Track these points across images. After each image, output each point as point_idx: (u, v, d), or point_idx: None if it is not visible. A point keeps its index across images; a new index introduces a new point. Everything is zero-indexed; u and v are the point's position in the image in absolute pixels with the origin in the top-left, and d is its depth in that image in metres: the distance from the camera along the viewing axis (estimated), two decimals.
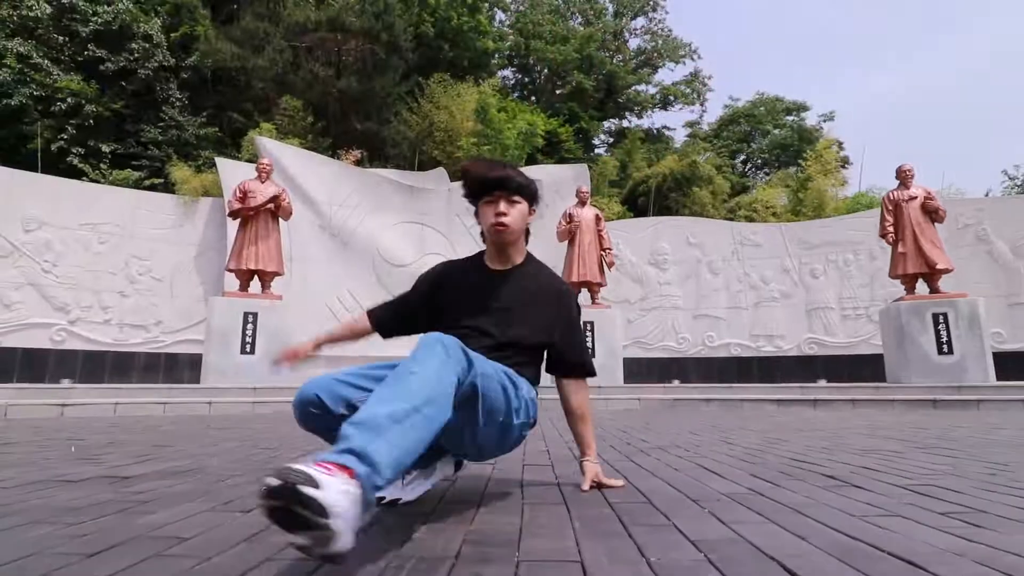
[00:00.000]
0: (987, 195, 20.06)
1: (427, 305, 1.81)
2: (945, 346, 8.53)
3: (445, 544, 1.14)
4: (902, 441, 3.08)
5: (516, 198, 1.73)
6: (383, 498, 1.48)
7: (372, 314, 1.86)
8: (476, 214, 1.79)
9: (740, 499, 1.58)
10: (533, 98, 25.77)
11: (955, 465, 2.18)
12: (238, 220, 8.92)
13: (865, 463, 2.22)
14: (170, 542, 1.17)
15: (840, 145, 26.52)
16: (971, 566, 0.99)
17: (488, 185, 1.72)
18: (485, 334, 1.65)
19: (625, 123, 27.84)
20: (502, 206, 1.70)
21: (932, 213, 9.03)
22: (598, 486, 1.76)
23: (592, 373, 1.88)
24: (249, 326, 8.37)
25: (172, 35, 15.07)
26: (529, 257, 1.86)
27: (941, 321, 8.63)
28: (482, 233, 1.80)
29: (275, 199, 8.85)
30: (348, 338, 1.88)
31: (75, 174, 12.52)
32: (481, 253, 1.88)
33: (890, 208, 9.26)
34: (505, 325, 1.67)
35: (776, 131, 27.31)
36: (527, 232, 1.84)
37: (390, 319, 1.85)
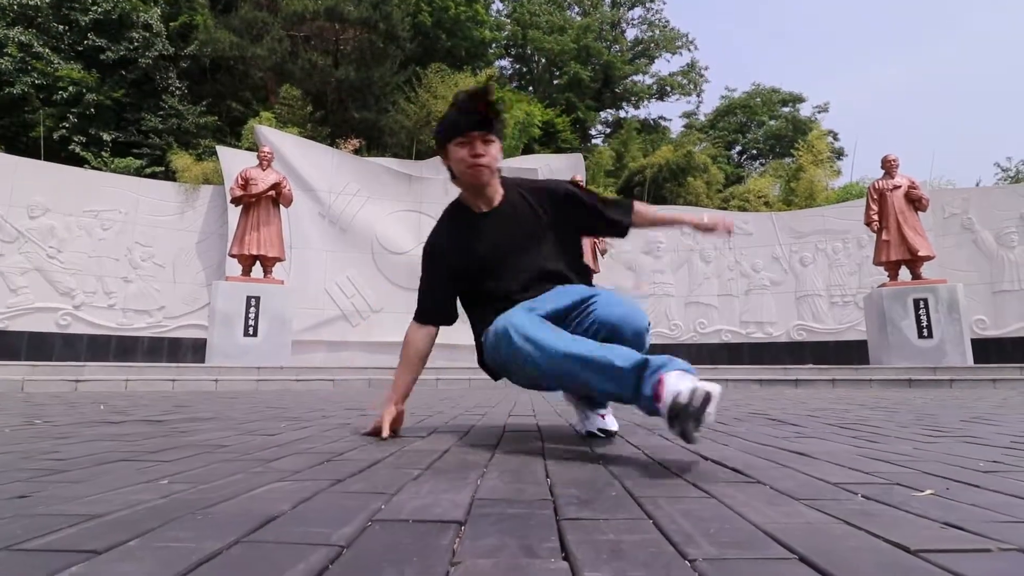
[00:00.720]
0: (977, 185, 20.36)
1: (450, 278, 1.79)
2: (925, 330, 8.83)
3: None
4: (859, 405, 3.37)
5: (491, 136, 1.66)
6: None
7: (425, 320, 1.84)
8: (443, 156, 1.75)
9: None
10: (531, 88, 25.91)
11: (891, 417, 2.46)
12: (240, 207, 9.14)
13: (811, 413, 2.50)
14: (215, 447, 1.44)
15: (835, 136, 26.86)
16: (855, 459, 1.26)
17: (465, 127, 1.64)
18: (511, 289, 1.67)
19: (622, 113, 28.02)
20: (479, 147, 1.64)
21: (915, 202, 9.31)
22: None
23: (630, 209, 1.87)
24: (252, 309, 8.62)
25: (171, 24, 15.19)
26: (506, 183, 1.81)
27: (922, 306, 8.92)
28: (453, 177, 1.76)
29: (276, 186, 9.07)
30: (419, 368, 1.85)
31: (77, 162, 12.70)
32: (456, 204, 1.84)
33: (875, 197, 9.53)
34: (521, 266, 1.69)
35: (771, 122, 27.56)
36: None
37: (440, 310, 1.82)
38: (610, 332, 1.50)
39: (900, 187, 9.41)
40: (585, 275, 1.84)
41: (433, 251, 1.83)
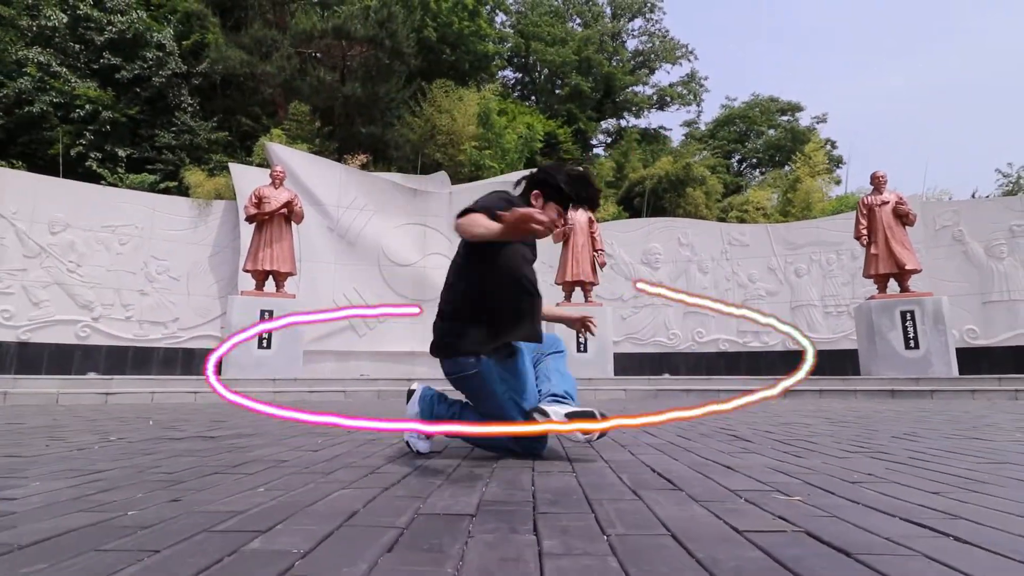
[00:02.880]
0: (973, 195, 20.70)
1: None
2: (912, 341, 9.19)
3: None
4: (825, 419, 3.75)
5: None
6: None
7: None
8: (532, 195, 2.11)
9: (658, 446, 2.26)
10: (533, 98, 26.42)
11: (837, 433, 2.85)
12: (254, 224, 9.58)
13: (771, 431, 2.89)
14: (278, 461, 1.84)
15: (833, 144, 27.27)
16: (765, 472, 1.65)
17: (577, 204, 2.10)
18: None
19: (623, 123, 28.49)
20: (559, 220, 2.05)
21: (903, 217, 9.69)
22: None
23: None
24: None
25: (184, 43, 15.71)
26: None
27: (908, 318, 9.29)
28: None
29: (288, 204, 9.52)
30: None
31: (93, 178, 13.18)
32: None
33: (864, 212, 9.91)
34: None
35: (770, 131, 27.99)
36: None
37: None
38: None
39: (888, 202, 9.79)
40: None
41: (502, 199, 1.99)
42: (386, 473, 1.63)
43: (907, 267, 9.48)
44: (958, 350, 10.31)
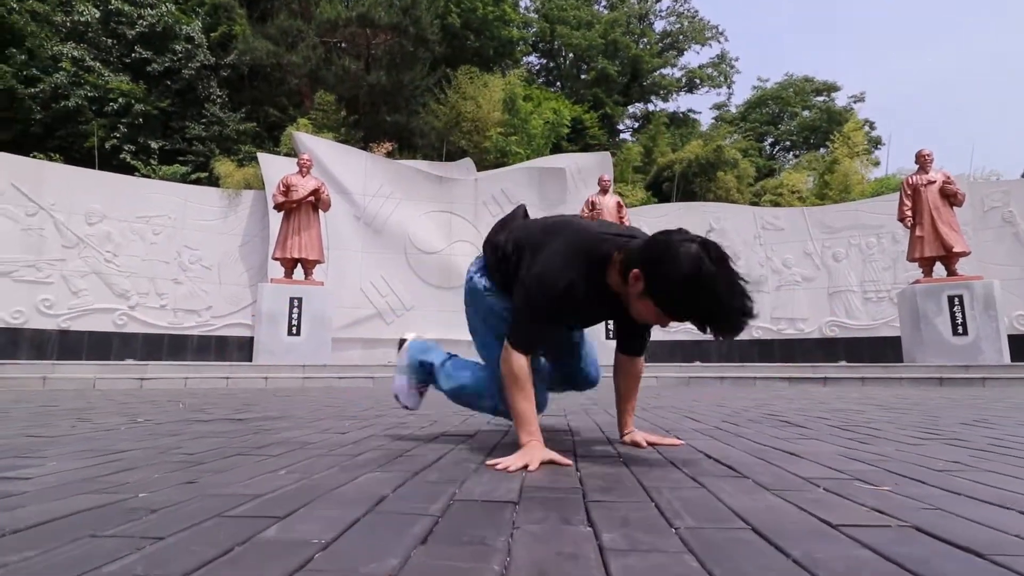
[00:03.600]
0: (1022, 176, 19.67)
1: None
2: (960, 327, 8.76)
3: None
4: (876, 405, 3.53)
5: None
6: None
7: (531, 352, 1.66)
8: (631, 274, 1.41)
9: (705, 431, 2.10)
10: (559, 83, 26.02)
11: (898, 419, 2.64)
12: (282, 212, 9.61)
13: (823, 415, 2.70)
14: (304, 443, 1.75)
15: (871, 125, 26.24)
16: (835, 459, 1.49)
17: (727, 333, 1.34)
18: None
19: (650, 107, 27.88)
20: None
21: (950, 197, 9.21)
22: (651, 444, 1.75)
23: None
24: (295, 310, 9.09)
25: (212, 35, 15.84)
26: None
27: (956, 303, 8.84)
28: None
29: (315, 192, 9.52)
30: None
31: (128, 170, 13.42)
32: (595, 270, 1.54)
33: (908, 192, 9.45)
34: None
35: (805, 112, 27.05)
36: None
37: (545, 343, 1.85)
38: None
39: (935, 182, 9.32)
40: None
41: (570, 294, 1.52)
42: (417, 456, 1.51)
43: (955, 250, 9.02)
44: (1008, 337, 9.82)
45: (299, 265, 9.57)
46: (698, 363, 11.24)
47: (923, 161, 9.49)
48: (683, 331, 13.15)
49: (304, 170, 9.69)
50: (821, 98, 27.28)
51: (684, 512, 0.90)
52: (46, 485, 1.13)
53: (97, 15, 14.69)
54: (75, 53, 14.07)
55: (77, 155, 13.72)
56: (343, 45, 16.77)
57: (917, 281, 9.25)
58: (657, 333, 10.59)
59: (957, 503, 0.97)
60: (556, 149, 16.85)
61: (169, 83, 15.08)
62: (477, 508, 0.94)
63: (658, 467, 1.36)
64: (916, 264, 9.52)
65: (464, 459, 1.48)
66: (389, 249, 12.67)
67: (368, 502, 0.97)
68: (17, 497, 1.03)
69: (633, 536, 0.77)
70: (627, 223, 10.70)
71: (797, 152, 27.12)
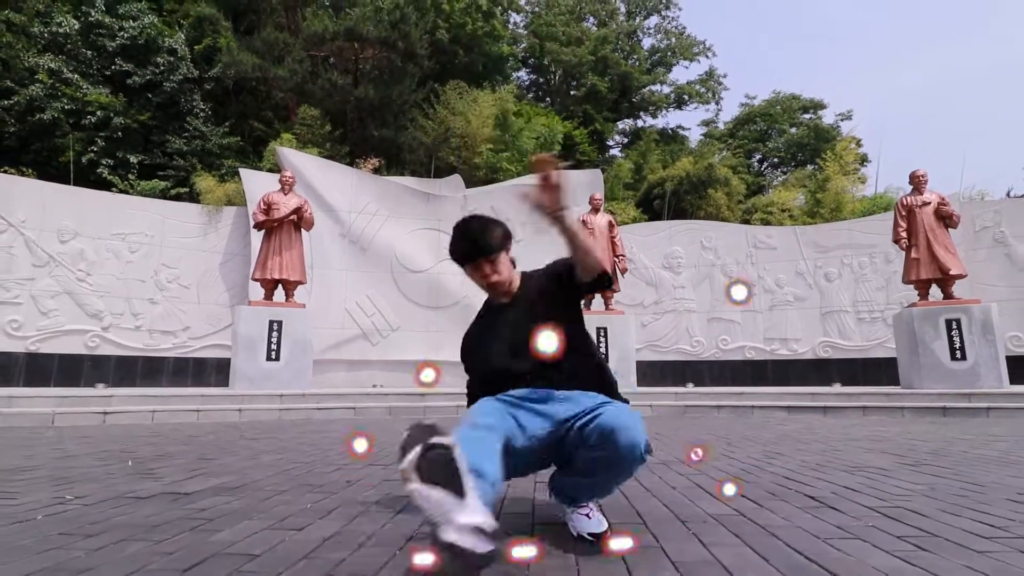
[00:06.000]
0: (1008, 193, 19.81)
1: (480, 364, 1.87)
2: (958, 352, 8.57)
3: None
4: (895, 456, 3.25)
5: (493, 256, 1.79)
6: None
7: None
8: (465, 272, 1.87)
9: (724, 520, 1.80)
10: (548, 99, 25.98)
11: (934, 485, 2.37)
12: (263, 231, 9.26)
13: (848, 483, 2.42)
14: (244, 559, 1.42)
15: (858, 142, 26.44)
16: None
17: (460, 261, 1.83)
18: (520, 377, 1.71)
19: (640, 123, 27.94)
20: (487, 270, 1.79)
21: (946, 219, 9.07)
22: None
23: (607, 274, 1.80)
24: (274, 334, 8.71)
25: (196, 47, 15.54)
26: (524, 276, 1.92)
27: (954, 327, 8.67)
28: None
29: (298, 211, 9.18)
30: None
31: (105, 185, 13.01)
32: (487, 299, 1.95)
33: (903, 213, 9.31)
34: (525, 352, 1.69)
35: (792, 130, 27.23)
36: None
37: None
38: (602, 437, 1.49)
39: (929, 203, 9.19)
40: (585, 354, 1.82)
41: (464, 345, 1.94)
42: None
43: (952, 272, 8.87)
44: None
45: (280, 286, 9.21)
46: (691, 385, 10.99)
47: (917, 182, 9.38)
48: (674, 352, 12.93)
49: (286, 188, 9.36)
50: (808, 115, 27.50)
51: None
52: None
53: (76, 27, 14.35)
54: (52, 65, 13.70)
55: (53, 169, 13.29)
56: (331, 59, 16.54)
57: (914, 304, 9.08)
58: (647, 354, 10.32)
59: None
60: None
61: (150, 96, 14.74)
62: None
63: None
64: (912, 286, 9.37)
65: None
66: (375, 268, 12.34)
67: None
68: None
69: None
70: (618, 242, 10.49)
71: (785, 169, 27.26)
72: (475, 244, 1.78)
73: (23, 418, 5.64)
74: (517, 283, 1.88)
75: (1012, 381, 8.52)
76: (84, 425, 5.67)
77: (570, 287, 1.78)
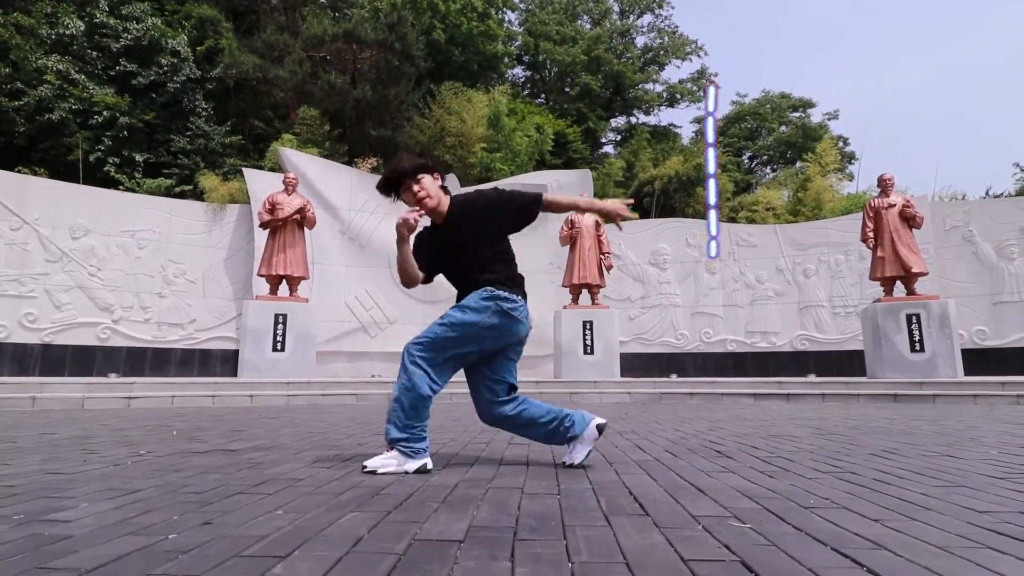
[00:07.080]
0: (987, 192, 20.52)
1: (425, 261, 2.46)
2: (918, 344, 9.24)
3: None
4: (815, 431, 3.89)
5: (419, 177, 2.33)
6: None
7: (421, 268, 2.47)
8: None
9: (641, 464, 2.42)
10: (543, 96, 26.50)
11: (822, 446, 2.99)
12: (268, 229, 9.83)
13: (758, 444, 3.04)
14: (291, 480, 2.03)
15: (845, 141, 27.09)
16: (733, 496, 1.81)
17: (394, 182, 2.36)
18: (460, 276, 2.41)
19: (632, 120, 28.48)
20: (415, 189, 2.32)
21: (909, 220, 9.72)
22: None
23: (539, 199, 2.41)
24: (279, 326, 9.31)
25: (198, 48, 16.00)
26: (452, 201, 2.42)
27: (914, 321, 9.34)
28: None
29: (301, 211, 9.77)
30: (411, 263, 2.46)
31: (111, 183, 13.51)
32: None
33: (871, 215, 9.96)
34: (464, 260, 2.34)
35: (782, 128, 27.87)
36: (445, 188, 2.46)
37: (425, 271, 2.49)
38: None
39: (895, 205, 9.84)
40: (509, 269, 2.43)
41: (416, 245, 2.51)
42: (389, 496, 1.81)
43: (914, 270, 9.53)
44: (968, 351, 10.36)
45: (284, 281, 9.80)
46: (674, 376, 11.66)
47: (884, 185, 10.02)
48: (660, 344, 13.59)
49: (290, 188, 9.93)
50: (797, 114, 28.13)
51: (584, 549, 1.21)
52: (86, 529, 1.40)
53: (82, 28, 14.78)
54: (60, 66, 14.15)
55: (61, 168, 13.78)
56: (329, 60, 17.03)
57: (878, 300, 9.74)
58: (634, 347, 10.95)
59: (793, 541, 1.29)
60: (540, 163, 17.26)
61: (154, 96, 15.21)
62: (431, 547, 1.24)
63: (584, 506, 1.67)
64: (878, 282, 10.03)
65: (428, 497, 1.78)
66: (374, 264, 12.93)
67: (348, 542, 1.27)
68: (65, 541, 1.29)
69: (538, 570, 1.08)
70: (605, 241, 11.10)
71: (775, 166, 27.92)
72: (396, 171, 2.35)
73: (56, 402, 6.24)
74: (446, 205, 2.39)
75: (975, 372, 9.18)
76: (111, 408, 6.27)
77: (507, 225, 2.38)
